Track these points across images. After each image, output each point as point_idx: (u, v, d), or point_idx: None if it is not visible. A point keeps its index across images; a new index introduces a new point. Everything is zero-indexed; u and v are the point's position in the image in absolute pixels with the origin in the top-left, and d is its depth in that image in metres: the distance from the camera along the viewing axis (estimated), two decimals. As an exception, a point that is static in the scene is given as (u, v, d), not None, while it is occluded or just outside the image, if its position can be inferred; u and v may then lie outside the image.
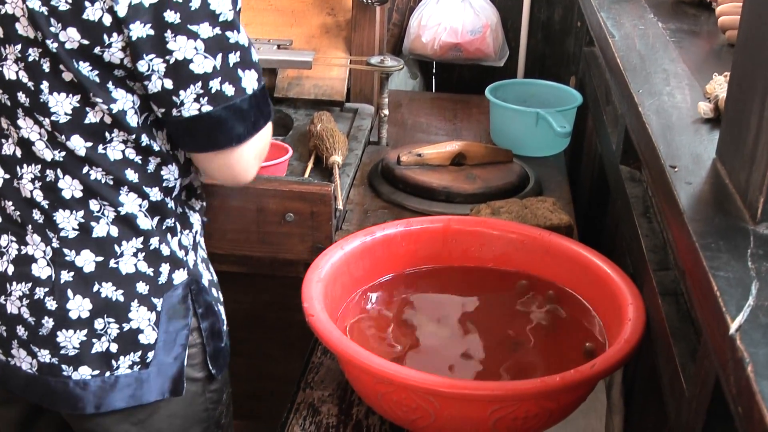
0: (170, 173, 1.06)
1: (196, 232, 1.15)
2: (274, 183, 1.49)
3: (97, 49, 0.93)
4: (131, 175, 1.02)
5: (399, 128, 2.09)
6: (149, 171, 1.04)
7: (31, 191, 1.01)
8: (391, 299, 1.25)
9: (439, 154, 1.74)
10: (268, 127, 1.08)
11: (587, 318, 1.20)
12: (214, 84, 0.96)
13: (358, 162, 1.83)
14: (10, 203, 1.03)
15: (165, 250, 1.07)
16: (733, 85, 0.91)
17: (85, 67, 0.95)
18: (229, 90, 0.98)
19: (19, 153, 1.01)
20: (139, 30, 0.92)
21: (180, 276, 1.09)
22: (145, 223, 1.05)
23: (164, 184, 1.06)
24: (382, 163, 1.76)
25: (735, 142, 0.88)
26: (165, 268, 1.08)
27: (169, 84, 0.95)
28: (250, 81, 1.00)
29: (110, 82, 0.97)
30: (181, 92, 0.96)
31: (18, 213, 1.03)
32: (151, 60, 0.93)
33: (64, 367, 1.04)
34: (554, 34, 2.55)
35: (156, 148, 1.03)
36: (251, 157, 1.06)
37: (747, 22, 0.88)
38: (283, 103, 1.96)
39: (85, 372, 1.04)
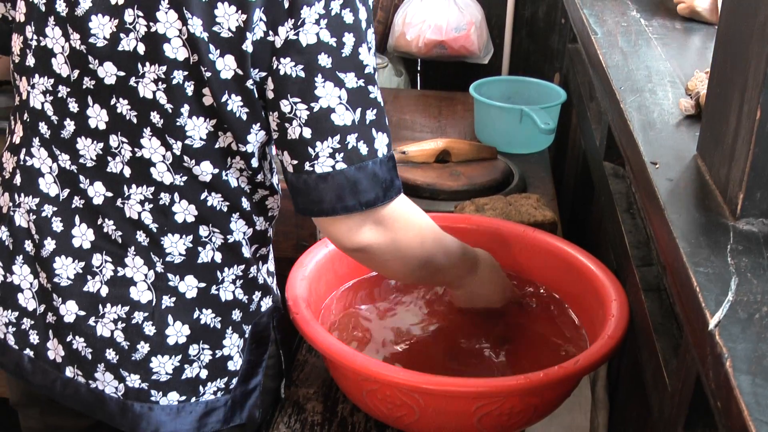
0: (274, 202, 1.04)
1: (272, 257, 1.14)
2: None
3: (249, 82, 0.89)
4: (245, 203, 0.99)
5: (384, 126, 2.09)
6: (256, 200, 1.01)
7: (139, 213, 0.97)
8: (375, 296, 1.25)
9: (424, 151, 1.74)
10: (402, 202, 0.98)
11: (570, 314, 1.21)
12: (351, 140, 0.90)
13: (343, 160, 1.83)
14: (111, 222, 0.99)
15: (260, 278, 1.05)
16: (712, 82, 0.92)
17: (236, 102, 0.91)
18: (363, 149, 0.91)
19: (128, 173, 0.96)
20: (290, 68, 0.88)
21: (266, 303, 1.07)
22: (246, 251, 1.02)
23: (269, 214, 1.04)
24: (366, 160, 1.76)
25: (715, 138, 0.88)
26: (257, 295, 1.05)
27: (307, 133, 0.89)
28: (381, 144, 0.92)
29: (257, 124, 0.93)
30: (318, 144, 0.89)
31: (119, 233, 0.99)
32: (296, 104, 0.88)
33: (153, 392, 1.01)
34: (538, 31, 2.56)
35: (267, 183, 1.01)
36: (396, 218, 0.97)
37: (726, 18, 0.89)
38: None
39: (173, 397, 1.02)
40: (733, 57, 0.84)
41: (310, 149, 0.90)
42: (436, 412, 1.00)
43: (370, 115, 0.91)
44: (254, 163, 0.97)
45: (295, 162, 0.91)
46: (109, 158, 0.97)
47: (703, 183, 0.89)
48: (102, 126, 0.95)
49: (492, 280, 1.19)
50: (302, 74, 0.88)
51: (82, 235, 1.00)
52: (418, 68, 2.69)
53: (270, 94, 0.90)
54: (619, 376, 1.29)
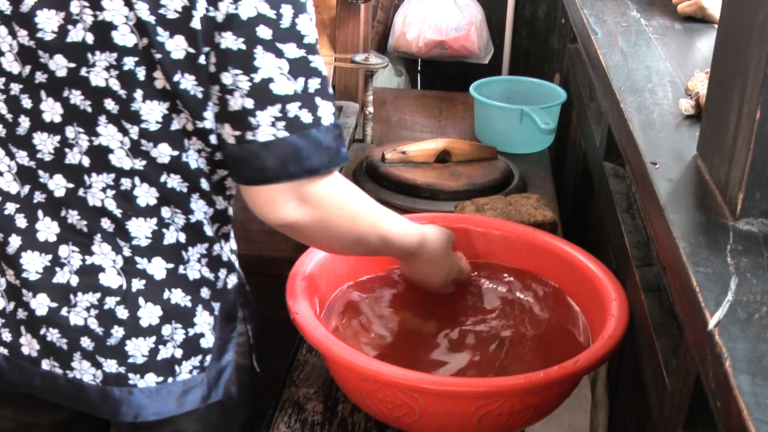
0: (233, 182, 1.05)
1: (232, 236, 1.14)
2: (258, 181, 1.48)
3: (201, 59, 0.91)
4: (204, 184, 1.01)
5: (384, 126, 2.09)
6: (214, 180, 1.02)
7: (102, 200, 0.98)
8: (376, 296, 1.25)
9: (424, 151, 1.74)
10: (333, 181, 0.98)
11: (571, 314, 1.21)
12: (292, 108, 0.92)
13: (343, 160, 1.83)
14: (75, 213, 1.00)
15: (224, 256, 1.07)
16: (712, 82, 0.92)
17: (189, 81, 0.92)
18: (306, 117, 0.93)
19: (87, 162, 0.97)
20: (231, 41, 0.90)
21: (232, 280, 1.09)
22: (209, 229, 1.04)
23: (227, 193, 1.05)
24: (366, 160, 1.77)
25: (715, 138, 0.89)
26: (222, 272, 1.07)
27: (249, 103, 0.91)
28: (326, 112, 0.95)
29: (210, 102, 0.94)
30: (258, 113, 0.91)
31: (84, 223, 1.00)
32: (236, 75, 0.91)
33: (130, 375, 1.03)
34: (538, 31, 2.56)
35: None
36: (322, 197, 0.97)
37: (726, 18, 0.89)
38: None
39: (151, 379, 1.03)
40: (733, 57, 0.84)
41: (251, 119, 0.92)
42: (436, 412, 1.00)
43: (314, 84, 0.93)
44: (213, 139, 0.97)
45: (237, 133, 0.93)
46: (67, 150, 0.98)
47: (703, 183, 0.89)
48: (57, 119, 0.96)
49: (434, 261, 1.20)
50: (243, 47, 0.90)
51: (47, 229, 1.01)
52: (418, 68, 2.69)
53: (212, 68, 0.92)
54: (619, 376, 1.29)
